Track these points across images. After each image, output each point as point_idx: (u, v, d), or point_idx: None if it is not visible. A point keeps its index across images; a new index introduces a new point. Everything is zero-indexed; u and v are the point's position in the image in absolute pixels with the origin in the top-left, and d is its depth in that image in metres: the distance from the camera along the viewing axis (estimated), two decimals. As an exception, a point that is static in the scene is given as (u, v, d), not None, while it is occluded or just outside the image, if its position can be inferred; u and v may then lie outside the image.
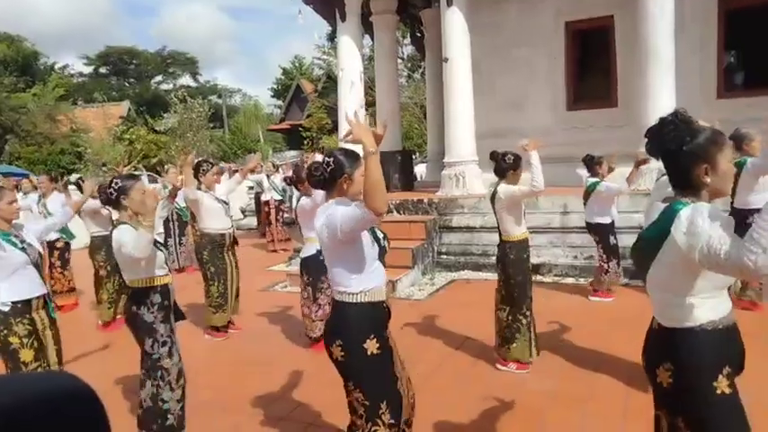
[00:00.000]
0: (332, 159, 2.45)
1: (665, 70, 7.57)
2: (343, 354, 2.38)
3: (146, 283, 3.18)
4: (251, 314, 6.29)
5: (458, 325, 5.44)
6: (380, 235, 2.55)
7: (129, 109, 33.92)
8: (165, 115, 30.28)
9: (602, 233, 6.06)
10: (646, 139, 1.96)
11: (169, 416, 3.21)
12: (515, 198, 4.14)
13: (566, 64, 9.90)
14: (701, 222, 1.67)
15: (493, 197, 4.29)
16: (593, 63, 9.94)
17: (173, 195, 4.03)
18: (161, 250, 3.27)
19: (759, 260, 1.51)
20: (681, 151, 1.83)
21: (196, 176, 5.45)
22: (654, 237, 1.85)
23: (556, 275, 7.26)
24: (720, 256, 1.59)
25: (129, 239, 3.00)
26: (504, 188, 4.17)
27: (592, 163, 6.11)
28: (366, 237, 2.43)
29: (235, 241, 5.73)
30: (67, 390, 0.61)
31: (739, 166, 5.02)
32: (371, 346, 2.35)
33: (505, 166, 4.22)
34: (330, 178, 2.46)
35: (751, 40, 9.13)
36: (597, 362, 4.33)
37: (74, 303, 7.20)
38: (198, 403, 3.66)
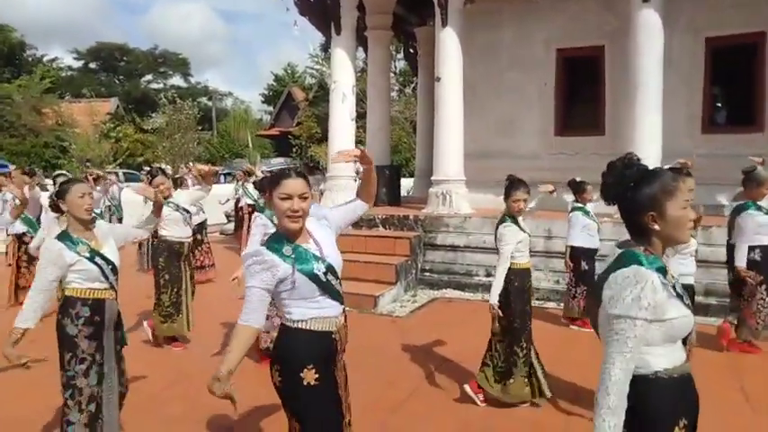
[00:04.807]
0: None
1: (653, 102, 7.70)
2: (280, 379, 2.25)
3: (73, 293, 2.97)
4: (224, 325, 6.18)
5: (439, 346, 5.43)
6: (321, 270, 2.26)
7: (118, 106, 33.67)
8: (153, 115, 30.08)
9: (574, 257, 6.13)
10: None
11: None
12: (503, 247, 4.04)
13: (556, 90, 10.03)
14: (627, 294, 1.64)
15: (497, 226, 4.15)
16: (582, 91, 10.08)
17: (158, 209, 3.83)
18: (97, 264, 2.99)
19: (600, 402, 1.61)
20: (626, 198, 1.79)
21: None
22: (602, 284, 1.78)
23: (537, 299, 7.25)
24: (607, 365, 1.66)
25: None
26: (502, 231, 4.04)
27: (577, 188, 6.20)
28: (288, 278, 2.20)
29: (191, 253, 5.69)
30: None
31: (746, 208, 5.01)
32: (309, 375, 2.20)
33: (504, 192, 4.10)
34: None
35: (735, 79, 9.35)
36: (576, 393, 4.33)
37: None
38: (168, 416, 3.60)
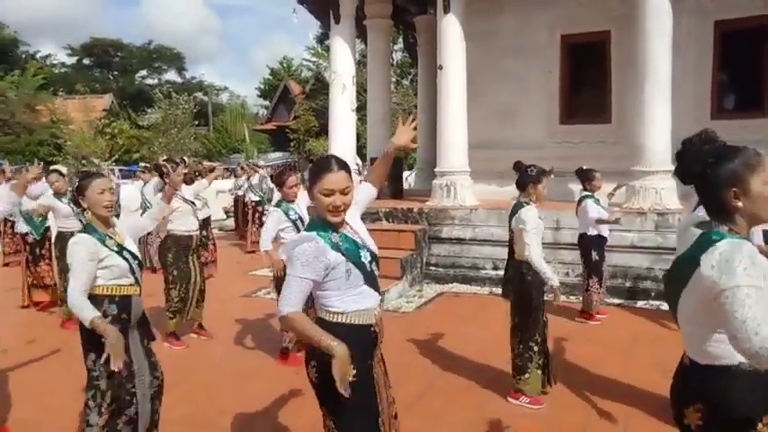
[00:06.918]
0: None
1: (662, 89, 7.48)
2: (317, 376, 2.17)
3: (101, 291, 2.83)
4: (231, 322, 6.03)
5: (448, 342, 5.26)
6: (367, 258, 2.23)
7: (112, 102, 33.33)
8: (148, 110, 29.80)
9: (583, 246, 6.00)
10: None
11: None
12: (524, 236, 3.88)
13: (560, 77, 9.82)
14: (737, 264, 1.50)
15: (513, 213, 4.02)
16: (587, 78, 9.87)
17: (169, 197, 3.74)
18: (125, 258, 2.88)
19: None
20: (705, 174, 1.68)
21: (161, 177, 5.27)
22: (686, 265, 1.67)
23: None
24: (746, 331, 1.44)
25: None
26: (526, 217, 3.87)
27: (586, 176, 6.05)
28: (340, 267, 2.13)
29: (202, 244, 5.53)
30: None
31: None
32: None
33: (527, 179, 3.97)
34: None
35: (744, 63, 9.13)
36: (591, 388, 4.17)
37: (49, 301, 6.79)
38: (170, 419, 3.41)
